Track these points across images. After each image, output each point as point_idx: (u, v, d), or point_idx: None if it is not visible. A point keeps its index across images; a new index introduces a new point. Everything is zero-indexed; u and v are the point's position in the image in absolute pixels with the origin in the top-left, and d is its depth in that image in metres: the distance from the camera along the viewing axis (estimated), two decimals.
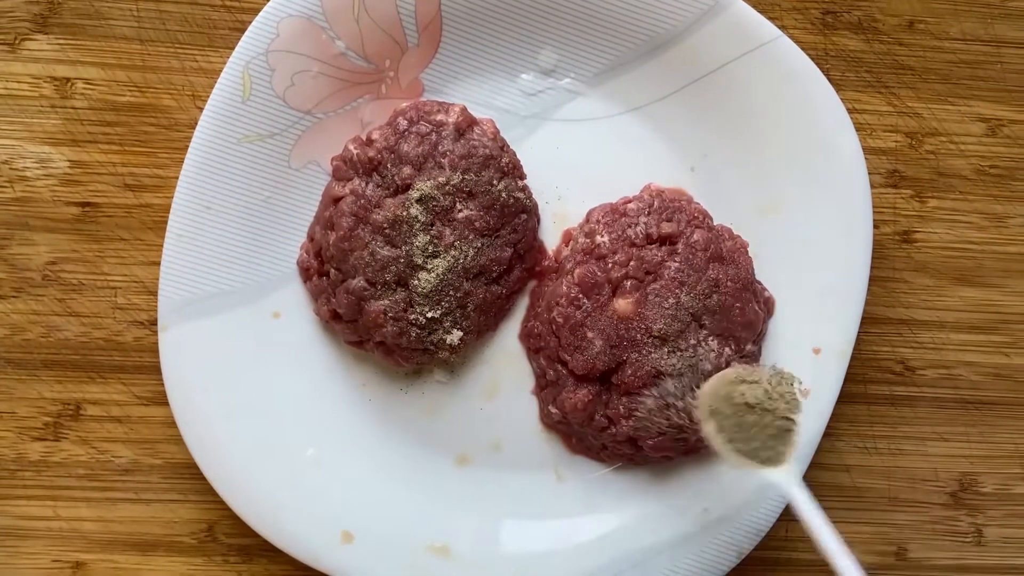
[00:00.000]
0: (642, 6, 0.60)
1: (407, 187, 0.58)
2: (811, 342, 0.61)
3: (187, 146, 0.59)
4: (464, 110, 0.59)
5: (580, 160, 0.63)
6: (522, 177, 0.61)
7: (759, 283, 0.62)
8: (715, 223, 0.61)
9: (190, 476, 0.62)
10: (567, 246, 0.63)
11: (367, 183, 0.58)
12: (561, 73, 0.63)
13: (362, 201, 0.58)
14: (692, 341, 0.58)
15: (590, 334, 0.58)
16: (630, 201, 0.61)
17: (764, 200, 0.62)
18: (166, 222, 0.59)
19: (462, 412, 0.63)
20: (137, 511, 0.63)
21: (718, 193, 0.63)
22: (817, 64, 0.61)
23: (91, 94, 0.62)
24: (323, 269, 0.60)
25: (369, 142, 0.59)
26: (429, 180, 0.57)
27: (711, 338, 0.58)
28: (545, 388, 0.62)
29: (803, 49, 0.61)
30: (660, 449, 0.60)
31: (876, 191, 0.65)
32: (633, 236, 0.59)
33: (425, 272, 0.58)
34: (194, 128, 0.59)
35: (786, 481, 0.52)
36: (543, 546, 0.61)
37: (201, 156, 0.59)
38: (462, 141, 0.58)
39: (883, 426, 0.66)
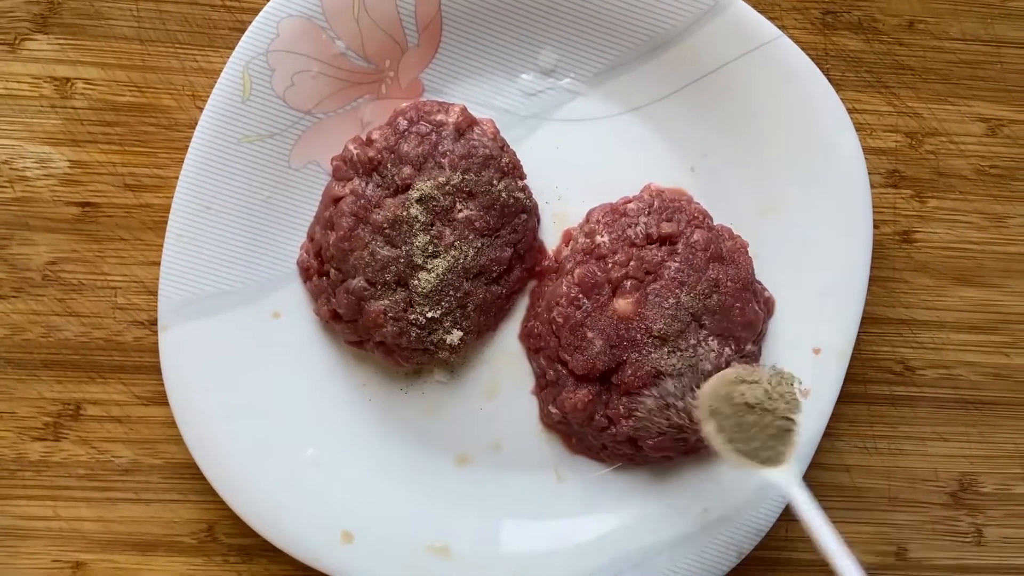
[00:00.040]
0: (642, 6, 0.60)
1: (407, 187, 0.58)
2: (811, 342, 0.62)
3: (187, 146, 0.59)
4: (464, 110, 0.59)
5: (580, 160, 0.63)
6: (522, 177, 0.61)
7: (759, 283, 0.62)
8: (715, 223, 0.61)
9: (190, 476, 0.62)
10: (567, 246, 0.63)
11: (367, 183, 0.58)
12: (561, 73, 0.63)
13: (362, 201, 0.58)
14: (692, 341, 0.58)
15: (590, 334, 0.58)
16: (630, 201, 0.61)
17: (764, 200, 0.62)
18: (166, 222, 0.59)
19: (462, 412, 0.63)
20: (137, 511, 0.63)
21: (718, 193, 0.63)
22: (817, 64, 0.61)
23: (91, 94, 0.62)
24: (323, 269, 0.60)
25: (369, 142, 0.59)
26: (429, 180, 0.57)
27: (711, 338, 0.58)
28: (545, 388, 0.62)
29: (803, 49, 0.61)
30: (660, 449, 0.60)
31: (876, 191, 0.65)
32: (633, 236, 0.59)
33: (425, 272, 0.58)
34: (194, 128, 0.59)
35: (786, 481, 0.52)
36: (543, 546, 0.61)
37: (201, 156, 0.59)
38: (462, 141, 0.58)
39: (883, 426, 0.66)
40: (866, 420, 0.66)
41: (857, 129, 0.61)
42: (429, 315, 0.58)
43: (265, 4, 0.59)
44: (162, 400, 0.61)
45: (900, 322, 0.66)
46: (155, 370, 0.61)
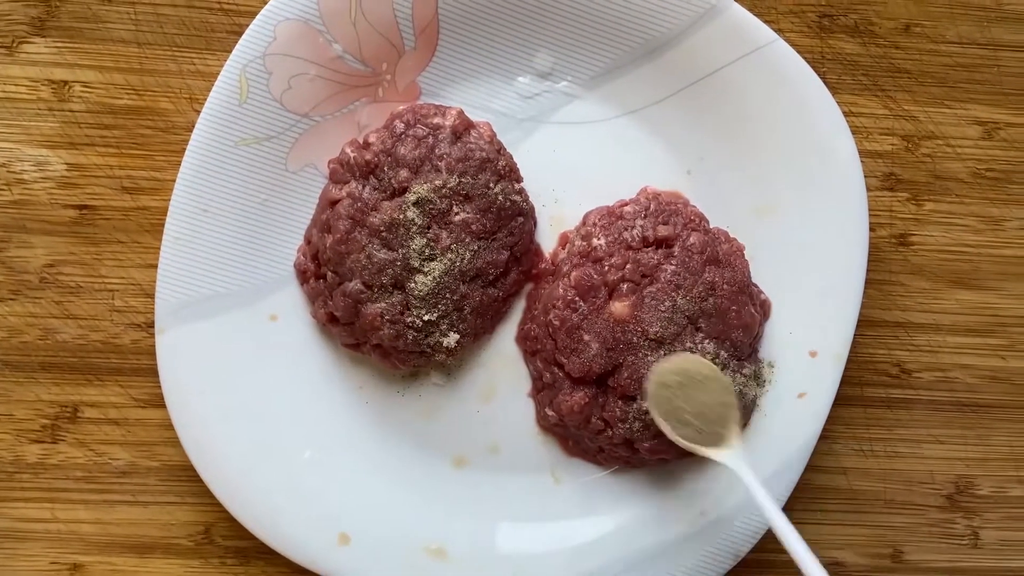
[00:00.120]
0: (638, 9, 0.61)
1: (404, 190, 0.58)
2: (807, 345, 0.62)
3: (184, 149, 0.59)
4: (461, 113, 0.59)
5: (577, 163, 0.63)
6: (519, 180, 0.61)
7: (755, 286, 0.62)
8: (711, 226, 0.61)
9: (187, 478, 0.62)
10: (564, 249, 0.63)
11: (364, 186, 0.58)
12: (558, 76, 0.63)
13: (359, 204, 0.58)
14: (688, 344, 0.58)
15: (586, 337, 0.58)
16: (626, 204, 0.61)
17: (760, 203, 0.62)
18: (163, 225, 0.59)
19: (459, 415, 0.63)
20: (134, 513, 0.63)
21: (714, 196, 0.63)
22: (813, 67, 0.61)
23: (88, 97, 0.62)
24: (320, 272, 0.60)
25: (366, 145, 0.59)
26: (426, 183, 0.58)
27: (707, 341, 0.58)
28: (542, 391, 0.62)
29: (799, 52, 0.61)
30: (656, 452, 0.60)
31: (872, 194, 0.65)
32: (629, 239, 0.59)
33: (422, 275, 0.58)
34: (191, 131, 0.59)
35: (733, 461, 0.54)
36: (540, 548, 0.61)
37: (198, 159, 0.59)
38: (459, 144, 0.58)
39: (879, 429, 0.66)
40: (862, 423, 0.66)
41: (853, 132, 0.61)
42: (426, 318, 0.58)
43: (262, 8, 0.59)
44: (159, 402, 0.61)
45: (896, 325, 0.66)
46: (152, 372, 0.61)
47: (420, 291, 0.58)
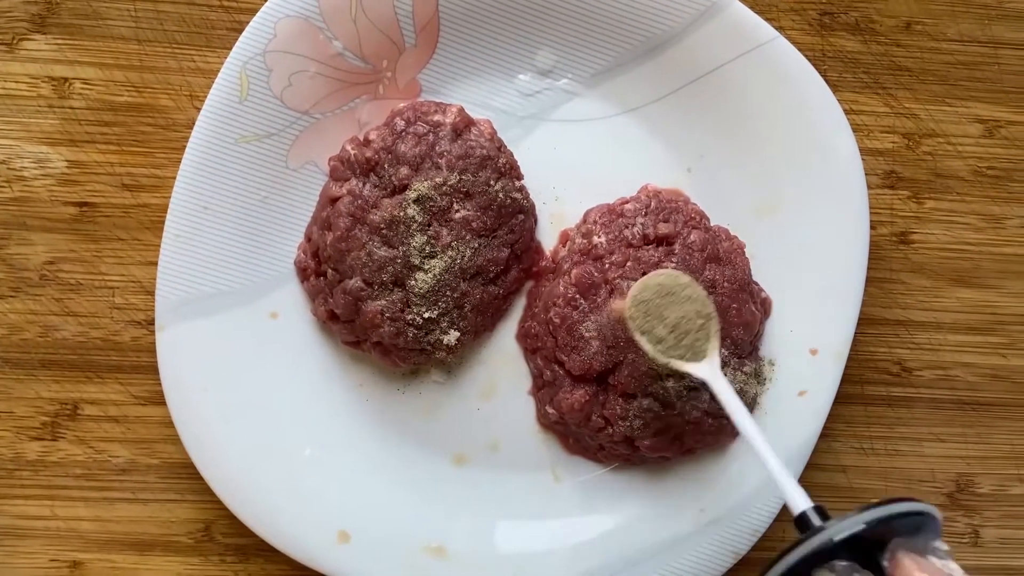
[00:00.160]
0: (639, 7, 0.61)
1: (404, 187, 0.58)
2: (808, 343, 0.62)
3: (185, 146, 0.59)
4: (461, 110, 0.59)
5: (577, 161, 0.63)
6: (519, 177, 0.61)
7: (756, 284, 0.62)
8: (712, 224, 0.61)
9: (187, 476, 0.62)
10: (564, 247, 0.63)
11: (364, 183, 0.58)
12: (558, 74, 0.63)
13: (359, 201, 0.58)
14: None
15: (587, 334, 0.58)
16: (627, 202, 0.61)
17: (761, 201, 0.62)
18: (164, 222, 0.59)
19: (459, 412, 0.63)
20: (134, 511, 0.63)
21: (715, 194, 0.63)
22: (814, 65, 0.61)
23: (89, 94, 0.62)
24: (320, 269, 0.60)
25: (366, 142, 0.59)
26: (426, 180, 0.58)
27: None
28: (542, 388, 0.62)
29: (800, 50, 0.61)
30: (656, 449, 0.60)
31: (873, 192, 0.65)
32: (630, 237, 0.59)
33: (422, 272, 0.58)
34: (192, 128, 0.59)
35: (710, 373, 0.54)
36: (540, 546, 0.61)
37: (199, 156, 0.59)
38: (459, 142, 0.58)
39: (880, 427, 0.66)
40: (863, 421, 0.66)
41: (854, 130, 0.61)
42: (426, 315, 0.58)
43: (262, 4, 0.59)
44: (159, 400, 0.61)
45: (897, 323, 0.66)
46: (152, 370, 0.61)
47: (420, 288, 0.58)
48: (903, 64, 0.66)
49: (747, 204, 0.63)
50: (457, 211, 0.58)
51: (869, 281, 0.63)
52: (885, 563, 0.45)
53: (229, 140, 0.59)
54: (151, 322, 0.62)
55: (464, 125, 0.59)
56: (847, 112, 0.62)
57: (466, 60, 0.62)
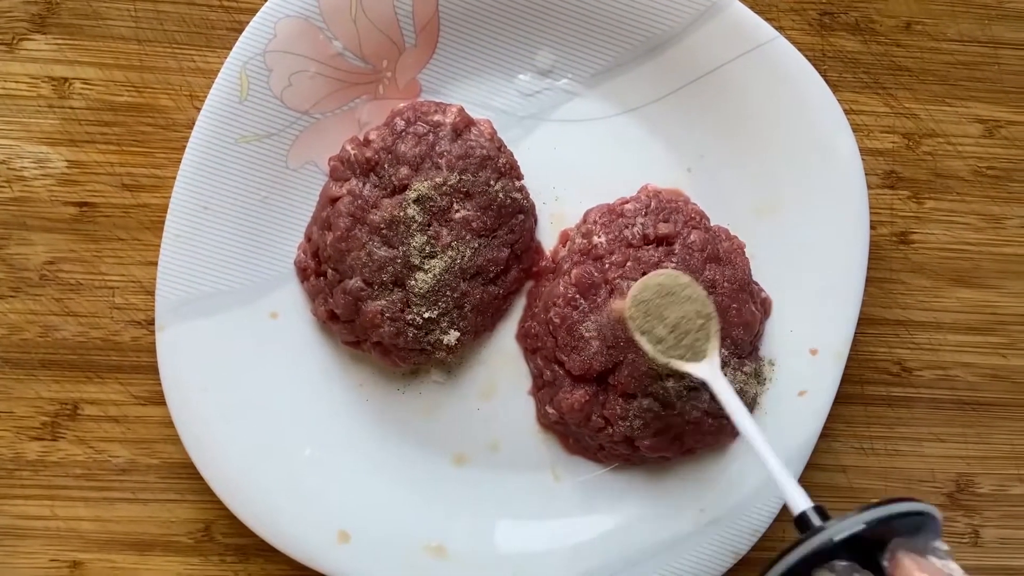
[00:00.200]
0: (639, 7, 0.61)
1: (404, 187, 0.58)
2: (808, 343, 0.62)
3: (185, 146, 0.59)
4: (461, 110, 0.59)
5: (577, 161, 0.63)
6: (519, 177, 0.61)
7: (756, 284, 0.62)
8: (712, 224, 0.61)
9: (187, 476, 0.62)
10: (564, 247, 0.63)
11: (364, 183, 0.58)
12: (558, 74, 0.63)
13: (359, 201, 0.58)
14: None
15: (587, 334, 0.58)
16: (627, 202, 0.61)
17: (761, 201, 0.62)
18: (164, 222, 0.59)
19: (459, 412, 0.63)
20: (134, 511, 0.63)
21: (715, 194, 0.63)
22: (814, 65, 0.61)
23: (89, 94, 0.62)
24: (320, 269, 0.60)
25: (366, 142, 0.59)
26: (426, 180, 0.58)
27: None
28: (542, 388, 0.62)
29: (800, 50, 0.61)
30: (656, 449, 0.60)
31: (873, 192, 0.65)
32: (630, 237, 0.59)
33: (422, 272, 0.58)
34: (192, 128, 0.59)
35: (710, 373, 0.54)
36: (540, 546, 0.61)
37: (199, 156, 0.59)
38: (459, 141, 0.58)
39: (880, 427, 0.66)
40: (863, 421, 0.66)
41: (854, 130, 0.61)
42: (426, 315, 0.58)
43: (262, 4, 0.59)
44: (159, 400, 0.61)
45: (897, 323, 0.66)
46: (152, 370, 0.61)
47: (420, 288, 0.58)
48: (903, 64, 0.66)
49: (747, 204, 0.63)
50: (457, 211, 0.58)
51: (869, 281, 0.63)
52: (885, 563, 0.45)
53: (229, 140, 0.59)
54: (151, 322, 0.62)
55: (464, 125, 0.59)
56: (847, 112, 0.62)
57: (466, 60, 0.62)
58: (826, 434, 0.63)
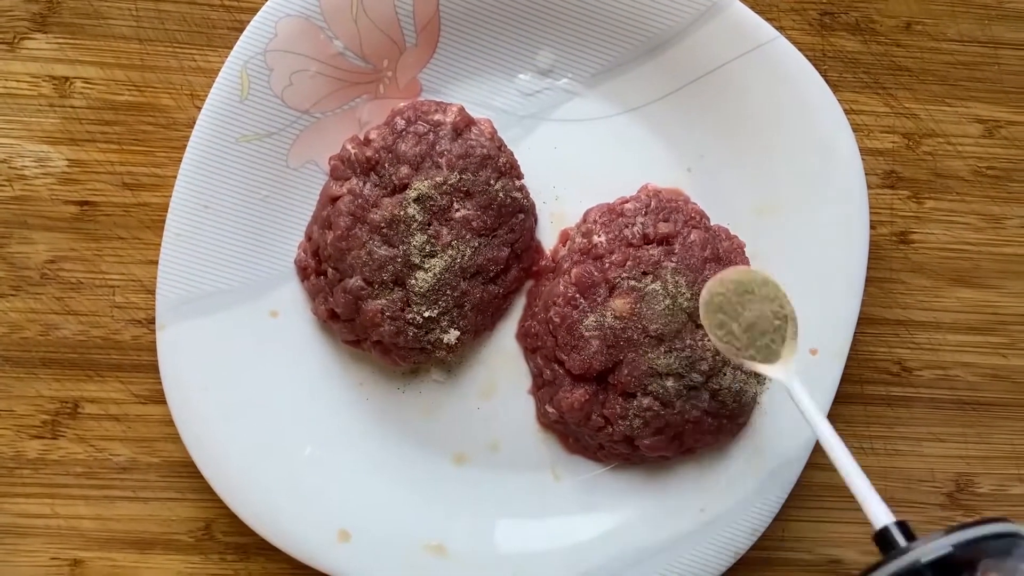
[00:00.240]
0: (640, 6, 0.61)
1: (404, 187, 0.58)
2: (808, 343, 0.61)
3: (185, 145, 0.59)
4: (462, 110, 0.59)
5: (577, 160, 0.63)
6: (519, 177, 0.61)
7: None
8: (712, 223, 0.62)
9: (187, 474, 0.62)
10: (564, 246, 0.63)
11: (365, 182, 0.58)
12: (559, 73, 0.63)
13: (360, 200, 0.58)
14: (688, 341, 0.58)
15: (587, 334, 0.58)
16: (627, 201, 0.61)
17: (761, 201, 0.62)
18: (164, 221, 0.59)
19: (459, 411, 0.63)
20: (135, 509, 0.63)
21: (715, 194, 0.63)
22: (815, 65, 0.61)
23: (90, 93, 0.63)
24: (321, 268, 0.60)
25: (367, 142, 0.59)
26: (426, 180, 0.58)
27: (707, 338, 0.58)
28: (542, 388, 0.62)
29: (801, 50, 0.61)
30: (656, 449, 0.60)
31: (873, 192, 0.65)
32: (630, 236, 0.60)
33: (422, 271, 0.58)
34: (192, 127, 0.59)
35: (785, 376, 0.53)
36: (540, 546, 0.61)
37: (199, 155, 0.59)
38: (459, 141, 0.58)
39: (880, 427, 0.66)
40: (863, 421, 0.66)
41: (854, 130, 0.61)
42: (426, 314, 0.58)
43: (263, 4, 0.59)
44: (160, 398, 0.61)
45: (897, 323, 0.66)
46: (153, 369, 0.61)
47: (421, 288, 0.58)
48: (903, 64, 0.66)
49: (747, 204, 0.63)
50: (457, 210, 0.58)
51: (869, 281, 0.63)
52: None
53: (230, 139, 0.59)
54: (151, 321, 0.62)
55: (464, 124, 0.59)
56: (847, 112, 0.62)
57: (466, 60, 0.62)
58: None
